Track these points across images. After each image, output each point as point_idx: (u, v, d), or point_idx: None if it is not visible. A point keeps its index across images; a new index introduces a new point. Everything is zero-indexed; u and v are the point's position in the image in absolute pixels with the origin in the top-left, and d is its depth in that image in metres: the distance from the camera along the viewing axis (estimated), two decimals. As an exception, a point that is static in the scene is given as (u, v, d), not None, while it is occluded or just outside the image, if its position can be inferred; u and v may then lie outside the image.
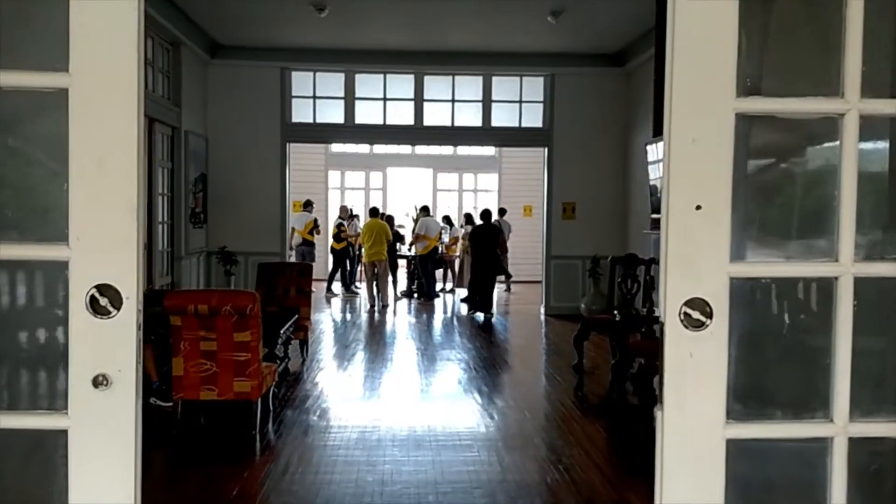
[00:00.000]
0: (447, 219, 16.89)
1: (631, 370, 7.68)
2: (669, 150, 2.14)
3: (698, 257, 2.13)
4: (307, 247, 15.05)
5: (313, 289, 9.70)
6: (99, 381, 2.07)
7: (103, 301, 2.08)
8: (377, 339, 10.48)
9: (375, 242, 13.82)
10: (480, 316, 12.59)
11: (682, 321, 2.13)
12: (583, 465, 5.23)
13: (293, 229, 14.99)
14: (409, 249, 15.68)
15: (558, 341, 10.39)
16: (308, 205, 15.61)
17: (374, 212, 14.74)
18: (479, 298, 12.77)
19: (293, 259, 14.39)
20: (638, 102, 12.18)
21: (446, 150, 19.38)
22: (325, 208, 18.89)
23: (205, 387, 5.75)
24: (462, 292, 15.11)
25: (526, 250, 18.94)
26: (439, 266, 15.73)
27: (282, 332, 7.27)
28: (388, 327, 11.78)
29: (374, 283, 13.77)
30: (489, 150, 19.37)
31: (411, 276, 15.85)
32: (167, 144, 10.79)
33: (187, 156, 11.21)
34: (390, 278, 14.45)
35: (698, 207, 2.12)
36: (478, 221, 13.99)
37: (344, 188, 19.35)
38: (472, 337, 10.81)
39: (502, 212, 16.41)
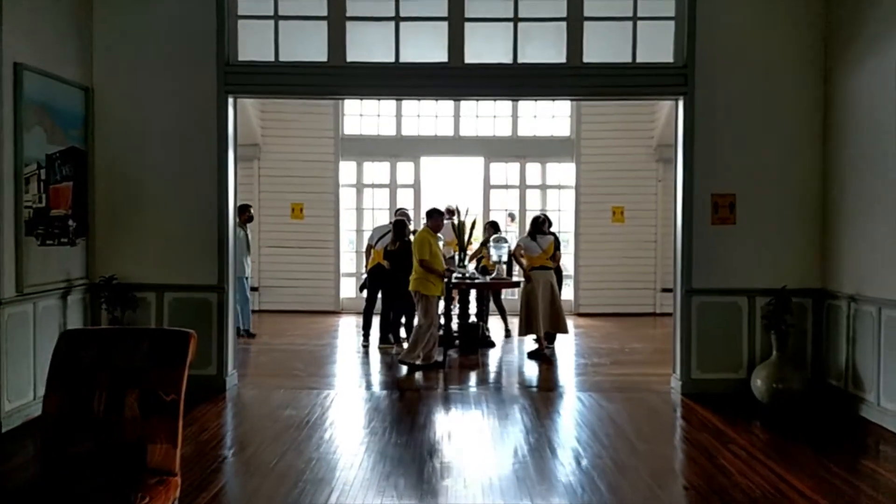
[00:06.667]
0: (494, 225, 11.07)
1: None
2: None
3: None
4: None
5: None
6: None
7: None
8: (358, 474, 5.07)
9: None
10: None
11: None
12: None
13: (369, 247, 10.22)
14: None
15: (749, 484, 4.79)
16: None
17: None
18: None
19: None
20: (857, 19, 6.52)
21: (502, 129, 13.88)
22: (334, 211, 13.59)
23: None
24: (523, 341, 9.62)
25: (622, 273, 13.36)
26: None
27: None
28: (395, 425, 6.36)
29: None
30: (563, 130, 13.80)
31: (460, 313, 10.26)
32: (-42, 84, 5.59)
33: (22, 111, 5.99)
34: (435, 318, 8.63)
35: None
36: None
37: (361, 184, 13.99)
38: (560, 464, 5.32)
39: (537, 223, 9.57)
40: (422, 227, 9.06)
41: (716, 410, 6.59)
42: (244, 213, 10.61)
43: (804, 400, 6.73)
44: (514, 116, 13.81)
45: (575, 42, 7.31)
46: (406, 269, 8.60)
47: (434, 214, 8.77)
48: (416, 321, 8.58)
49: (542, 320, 9.11)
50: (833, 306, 6.94)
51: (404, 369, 8.44)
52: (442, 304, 9.09)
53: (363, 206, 14.01)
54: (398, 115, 13.86)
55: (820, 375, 7.08)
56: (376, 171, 14.04)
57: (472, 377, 8.28)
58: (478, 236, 11.12)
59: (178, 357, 3.80)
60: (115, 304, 6.85)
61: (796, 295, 6.99)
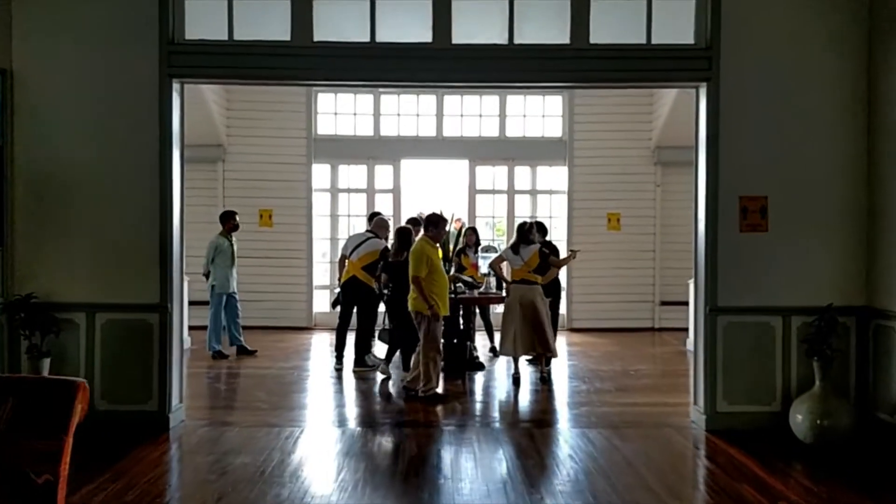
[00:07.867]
0: (474, 231, 10.00)
1: None
2: None
3: None
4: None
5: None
6: None
7: None
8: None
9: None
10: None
11: None
12: None
13: (343, 257, 8.91)
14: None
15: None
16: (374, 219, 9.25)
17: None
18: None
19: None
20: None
21: (489, 129, 12.84)
22: (307, 218, 12.49)
23: None
24: (510, 362, 8.54)
25: (618, 286, 12.39)
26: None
27: None
28: (370, 476, 5.30)
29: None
30: (555, 130, 12.80)
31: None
32: None
33: None
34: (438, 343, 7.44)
35: None
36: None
37: (336, 189, 12.89)
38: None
39: (522, 231, 8.23)
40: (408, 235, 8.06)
41: (750, 452, 5.56)
42: (229, 220, 9.56)
43: (853, 438, 5.72)
44: (502, 115, 12.79)
45: (580, 20, 6.28)
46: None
47: (435, 222, 7.43)
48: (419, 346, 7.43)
49: (521, 341, 7.95)
50: (882, 327, 5.94)
51: (389, 399, 7.36)
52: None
53: (338, 212, 12.90)
54: (376, 114, 12.79)
55: (865, 408, 6.07)
56: (352, 174, 12.95)
57: (460, 409, 7.17)
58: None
59: (58, 420, 2.71)
60: (33, 328, 5.71)
61: (839, 314, 5.99)
